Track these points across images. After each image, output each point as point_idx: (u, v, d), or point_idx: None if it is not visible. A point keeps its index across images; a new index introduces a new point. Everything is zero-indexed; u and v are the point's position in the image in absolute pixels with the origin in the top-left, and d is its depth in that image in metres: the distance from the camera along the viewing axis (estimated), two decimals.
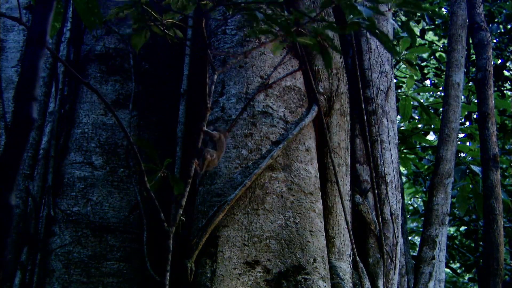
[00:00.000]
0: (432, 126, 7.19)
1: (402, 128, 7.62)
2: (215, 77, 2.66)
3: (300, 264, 3.18)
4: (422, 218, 8.39)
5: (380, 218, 3.90)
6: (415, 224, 11.77)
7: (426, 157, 8.31)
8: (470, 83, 8.46)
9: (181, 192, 2.50)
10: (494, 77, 7.79)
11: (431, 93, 10.68)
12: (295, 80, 3.71)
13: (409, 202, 12.45)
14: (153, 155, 2.58)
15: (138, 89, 3.94)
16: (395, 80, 5.75)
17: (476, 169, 6.22)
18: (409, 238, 9.28)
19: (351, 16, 1.96)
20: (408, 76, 7.19)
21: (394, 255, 3.87)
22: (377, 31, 1.99)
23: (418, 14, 9.27)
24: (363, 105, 4.11)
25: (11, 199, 1.29)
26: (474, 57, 7.78)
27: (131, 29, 2.56)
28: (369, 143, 4.05)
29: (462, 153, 7.46)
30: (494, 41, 9.08)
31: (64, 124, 3.83)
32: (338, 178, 3.62)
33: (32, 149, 3.76)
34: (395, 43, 4.40)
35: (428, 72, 10.07)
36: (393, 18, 4.35)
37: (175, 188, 2.62)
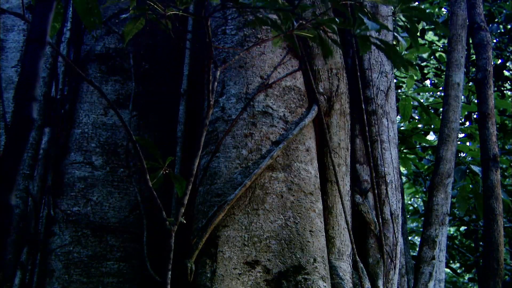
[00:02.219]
0: (432, 126, 7.19)
1: (402, 128, 7.61)
2: (218, 73, 2.65)
3: (300, 264, 3.18)
4: (422, 218, 8.38)
5: (380, 218, 3.90)
6: (415, 224, 11.77)
7: (426, 157, 8.31)
8: (470, 83, 8.46)
9: (183, 191, 2.49)
10: (494, 77, 7.79)
11: (431, 93, 10.68)
12: (295, 80, 3.70)
13: (409, 202, 12.45)
14: (155, 153, 2.57)
15: (138, 89, 3.95)
16: (395, 80, 5.74)
17: (476, 169, 6.21)
18: (409, 238, 9.28)
19: (358, 30, 1.97)
20: (408, 76, 7.19)
21: (394, 255, 3.87)
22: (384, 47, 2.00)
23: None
24: (363, 105, 4.11)
25: (11, 199, 1.29)
26: (474, 57, 7.78)
27: None
28: (369, 143, 4.05)
29: (462, 153, 7.46)
30: (494, 41, 9.08)
31: (64, 124, 3.83)
32: (338, 178, 3.62)
33: (32, 149, 3.76)
34: (394, 42, 4.39)
35: (428, 72, 10.07)
36: (393, 17, 4.33)
37: (176, 187, 2.60)
